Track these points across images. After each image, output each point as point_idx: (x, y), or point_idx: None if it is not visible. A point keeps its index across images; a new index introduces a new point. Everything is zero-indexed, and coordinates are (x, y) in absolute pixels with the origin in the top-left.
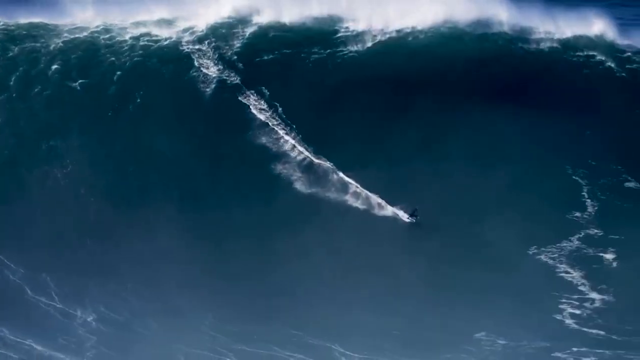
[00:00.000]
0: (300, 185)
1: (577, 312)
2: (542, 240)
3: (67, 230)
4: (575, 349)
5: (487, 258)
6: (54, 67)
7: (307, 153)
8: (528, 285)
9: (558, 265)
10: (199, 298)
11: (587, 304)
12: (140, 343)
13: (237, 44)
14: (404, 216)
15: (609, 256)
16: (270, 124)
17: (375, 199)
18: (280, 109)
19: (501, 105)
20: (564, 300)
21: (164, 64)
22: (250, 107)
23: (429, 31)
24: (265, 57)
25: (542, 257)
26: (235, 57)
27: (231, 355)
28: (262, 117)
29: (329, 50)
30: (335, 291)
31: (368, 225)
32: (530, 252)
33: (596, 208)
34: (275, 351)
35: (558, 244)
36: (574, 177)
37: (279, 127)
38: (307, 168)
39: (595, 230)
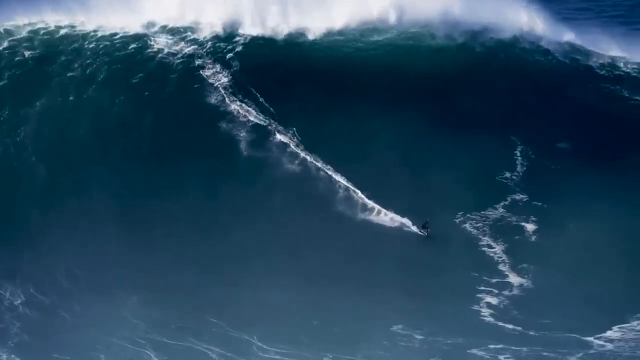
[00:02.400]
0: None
1: (495, 302)
2: (470, 206)
3: (9, 202)
4: (491, 346)
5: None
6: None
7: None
8: (450, 264)
9: (481, 237)
10: (127, 279)
11: (505, 292)
12: (62, 330)
13: None
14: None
15: (530, 227)
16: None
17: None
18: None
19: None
20: (482, 288)
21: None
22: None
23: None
24: None
25: (467, 226)
26: None
27: (148, 346)
28: None
29: None
30: (257, 279)
31: (294, 213)
32: (457, 220)
33: (525, 168)
34: (192, 343)
35: (483, 212)
36: (511, 137)
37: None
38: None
39: (521, 196)
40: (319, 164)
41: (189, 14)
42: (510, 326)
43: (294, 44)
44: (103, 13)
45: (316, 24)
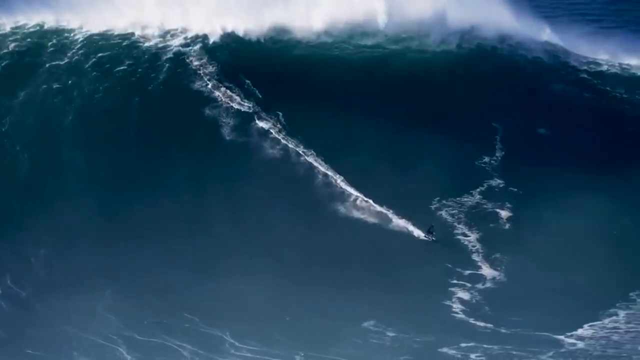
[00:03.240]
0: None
1: (467, 297)
2: (447, 191)
3: None
4: (463, 344)
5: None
6: None
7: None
8: (425, 254)
9: (457, 224)
10: (103, 271)
11: (478, 285)
12: (36, 325)
13: None
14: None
15: (505, 214)
16: None
17: None
18: None
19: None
20: (455, 281)
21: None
22: None
23: None
24: None
25: (443, 212)
26: None
27: (120, 342)
28: None
29: None
30: (233, 272)
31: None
32: (433, 207)
33: (504, 153)
34: (164, 340)
35: (459, 198)
36: (493, 124)
37: None
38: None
39: (498, 181)
40: (300, 150)
41: (175, 12)
42: (482, 324)
43: (279, 41)
44: (90, 12)
45: (298, 22)
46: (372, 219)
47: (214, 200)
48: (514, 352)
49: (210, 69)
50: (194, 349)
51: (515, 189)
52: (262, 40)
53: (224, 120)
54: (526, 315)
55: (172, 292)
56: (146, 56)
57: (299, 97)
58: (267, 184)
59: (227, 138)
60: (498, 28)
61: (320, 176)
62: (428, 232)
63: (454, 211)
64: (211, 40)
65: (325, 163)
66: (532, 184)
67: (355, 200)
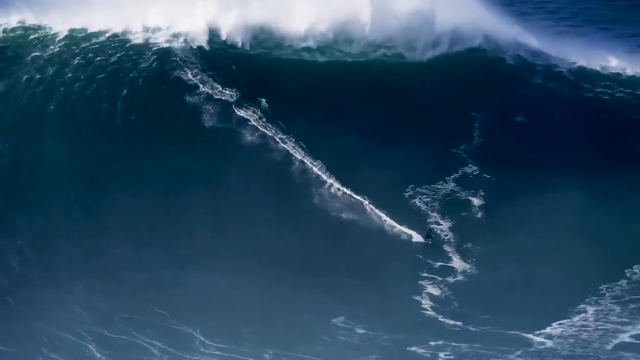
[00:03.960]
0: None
1: (436, 292)
2: (422, 179)
3: None
4: (432, 343)
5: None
6: None
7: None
8: (397, 244)
9: (430, 212)
10: (76, 262)
11: (449, 279)
12: (8, 319)
13: None
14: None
15: (477, 202)
16: None
17: None
18: None
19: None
20: (425, 274)
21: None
22: None
23: None
24: None
25: (417, 200)
26: None
27: (90, 339)
28: None
29: None
30: (206, 266)
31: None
32: (407, 195)
33: (481, 140)
34: (134, 337)
35: (434, 185)
36: (472, 112)
37: None
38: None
39: (473, 168)
40: (278, 137)
41: (159, 9)
42: (451, 321)
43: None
44: (72, 10)
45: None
46: (345, 208)
47: (189, 193)
48: (482, 351)
49: (193, 59)
50: (163, 347)
51: (489, 176)
52: (245, 41)
53: (204, 108)
54: (495, 313)
55: (144, 286)
56: (129, 51)
57: (280, 87)
58: (242, 173)
59: (207, 125)
60: (479, 28)
61: (296, 163)
62: (427, 236)
63: (427, 199)
64: (195, 38)
65: (302, 150)
66: (507, 172)
67: (330, 187)
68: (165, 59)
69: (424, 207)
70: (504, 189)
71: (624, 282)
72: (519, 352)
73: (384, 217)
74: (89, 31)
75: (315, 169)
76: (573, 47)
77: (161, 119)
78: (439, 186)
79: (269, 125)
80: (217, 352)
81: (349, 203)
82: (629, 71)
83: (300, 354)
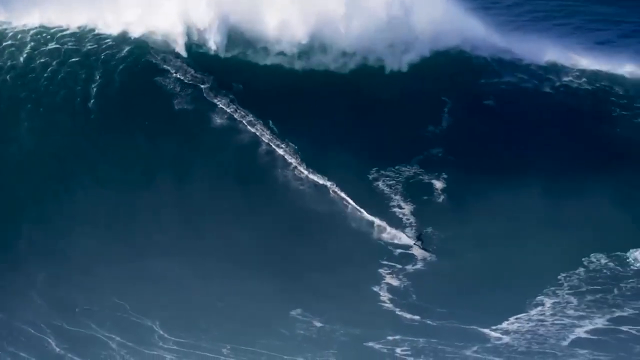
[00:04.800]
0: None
1: (395, 283)
2: (386, 161)
3: None
4: (390, 338)
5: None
6: None
7: None
8: (359, 229)
9: (393, 195)
10: (39, 247)
11: (408, 267)
12: None
13: None
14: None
15: (439, 185)
16: None
17: None
18: None
19: None
20: (385, 262)
21: None
22: None
23: None
24: None
25: (380, 183)
26: None
27: (49, 332)
28: None
29: None
30: (166, 254)
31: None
32: (370, 177)
33: (449, 123)
34: (94, 330)
35: (398, 167)
36: (442, 97)
37: None
38: None
39: (438, 149)
40: (246, 120)
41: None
42: (409, 315)
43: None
44: (46, 7)
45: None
46: (309, 192)
47: (153, 180)
48: (440, 347)
49: (167, 51)
50: (122, 341)
51: (454, 158)
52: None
53: (175, 92)
54: (453, 306)
55: (106, 275)
56: (102, 41)
57: (252, 77)
58: (206, 157)
59: (177, 108)
60: (452, 25)
61: (263, 145)
62: (418, 238)
63: (391, 182)
64: (170, 34)
65: (270, 134)
66: (472, 156)
67: (294, 170)
68: (139, 50)
69: (387, 190)
70: (468, 173)
71: (581, 270)
72: (475, 348)
73: (348, 200)
74: (60, 24)
75: (280, 152)
76: (533, 42)
77: (131, 103)
78: (403, 168)
79: (239, 109)
80: (175, 347)
81: (312, 186)
82: (585, 65)
83: (258, 349)
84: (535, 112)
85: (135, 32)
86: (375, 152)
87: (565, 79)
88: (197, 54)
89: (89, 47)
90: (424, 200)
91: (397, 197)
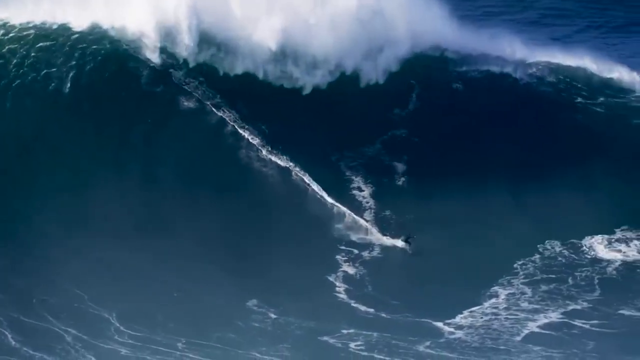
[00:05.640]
0: None
1: (351, 271)
2: (349, 142)
3: None
4: (344, 331)
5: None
6: None
7: None
8: (317, 212)
9: (354, 177)
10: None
11: (365, 254)
12: None
13: None
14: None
15: (401, 167)
16: None
17: None
18: None
19: None
20: (343, 247)
21: None
22: None
23: None
24: None
25: (342, 165)
26: None
27: (6, 325)
28: None
29: None
30: (124, 240)
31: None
32: (334, 158)
33: (416, 106)
34: (50, 323)
35: (360, 148)
36: (411, 80)
37: None
38: None
39: (402, 130)
40: (211, 102)
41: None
42: (363, 307)
43: None
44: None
45: None
46: (272, 173)
47: (113, 165)
48: (394, 342)
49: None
50: (78, 334)
51: (418, 140)
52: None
53: (143, 74)
54: (407, 298)
55: (64, 263)
56: (75, 34)
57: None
58: (171, 141)
59: (145, 90)
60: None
61: (228, 127)
62: (406, 240)
63: (353, 163)
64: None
65: (235, 116)
66: (436, 138)
67: (258, 152)
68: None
69: (348, 172)
70: (430, 156)
71: (537, 257)
72: (427, 343)
73: (310, 183)
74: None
75: (244, 134)
76: (492, 36)
77: (99, 87)
78: (366, 150)
79: (207, 91)
80: (131, 341)
81: (275, 168)
82: (546, 58)
83: (214, 342)
84: (500, 102)
85: (105, 25)
86: (340, 134)
87: (530, 71)
88: (168, 53)
89: (60, 40)
90: (384, 183)
91: (358, 178)
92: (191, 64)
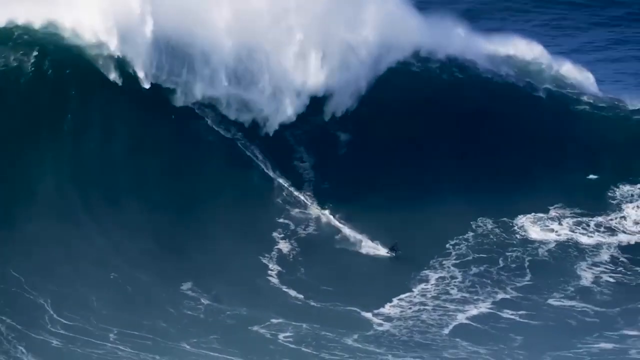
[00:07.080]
0: None
1: (286, 249)
2: (294, 111)
3: None
4: (274, 321)
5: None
6: None
7: None
8: (260, 183)
9: (296, 147)
10: None
11: (300, 229)
12: None
13: None
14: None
15: (344, 137)
16: None
17: None
18: None
19: None
20: (281, 220)
21: None
22: None
23: None
24: None
25: (287, 134)
26: None
27: None
28: None
29: None
30: (65, 221)
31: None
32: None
33: None
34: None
35: (306, 117)
36: None
37: None
38: None
39: (350, 102)
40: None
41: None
42: (293, 293)
43: None
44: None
45: None
46: (217, 144)
47: (54, 142)
48: (322, 333)
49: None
50: (12, 324)
51: (366, 110)
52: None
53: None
54: (338, 283)
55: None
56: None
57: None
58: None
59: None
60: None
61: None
62: (391, 249)
63: (298, 131)
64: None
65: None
66: (385, 110)
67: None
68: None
69: (292, 141)
70: (374, 123)
71: (470, 235)
72: (355, 336)
73: (254, 153)
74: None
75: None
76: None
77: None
78: (311, 117)
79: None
80: (63, 331)
81: (220, 139)
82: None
83: (145, 333)
84: (452, 88)
85: (64, 22)
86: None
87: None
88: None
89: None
90: (326, 153)
91: (301, 148)
92: None
